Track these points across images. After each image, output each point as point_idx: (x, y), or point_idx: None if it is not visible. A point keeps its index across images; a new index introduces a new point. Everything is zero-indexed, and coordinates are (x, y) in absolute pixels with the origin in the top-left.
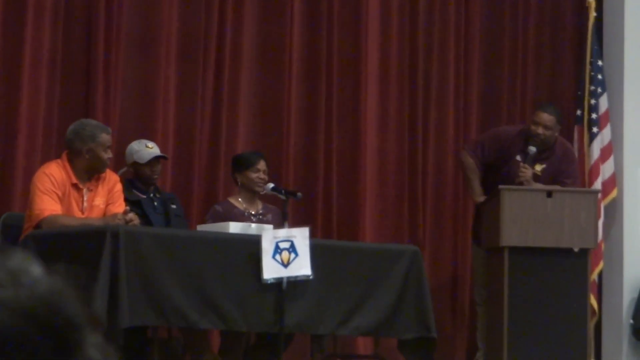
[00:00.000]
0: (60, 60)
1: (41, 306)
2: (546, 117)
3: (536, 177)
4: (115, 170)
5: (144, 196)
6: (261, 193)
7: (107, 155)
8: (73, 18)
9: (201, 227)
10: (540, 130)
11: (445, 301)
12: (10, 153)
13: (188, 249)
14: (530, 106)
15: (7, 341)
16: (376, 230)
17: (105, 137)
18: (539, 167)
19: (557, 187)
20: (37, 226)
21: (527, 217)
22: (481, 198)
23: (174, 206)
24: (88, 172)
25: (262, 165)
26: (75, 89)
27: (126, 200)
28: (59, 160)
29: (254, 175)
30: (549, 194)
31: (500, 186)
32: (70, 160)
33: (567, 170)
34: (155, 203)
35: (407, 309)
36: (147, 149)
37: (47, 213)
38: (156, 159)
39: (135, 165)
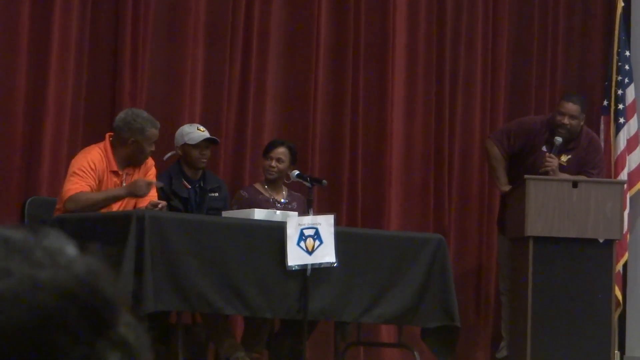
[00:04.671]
0: (87, 45)
1: (80, 286)
2: (571, 107)
3: (562, 168)
4: (153, 154)
5: (190, 186)
6: (286, 181)
7: (151, 148)
8: (100, 2)
9: (226, 214)
10: (565, 120)
11: (470, 290)
12: (37, 137)
13: (213, 235)
14: (559, 95)
15: (48, 322)
16: (401, 218)
17: (154, 132)
18: (564, 158)
19: (583, 178)
20: (65, 207)
21: (553, 207)
22: (506, 187)
23: (215, 194)
24: (127, 161)
25: (276, 153)
26: (103, 74)
27: (175, 195)
28: (101, 145)
29: (266, 162)
30: (575, 184)
31: (526, 176)
32: (113, 146)
33: (592, 160)
34: (196, 194)
35: (431, 298)
36: (198, 131)
37: (71, 192)
38: (207, 143)
39: (185, 147)
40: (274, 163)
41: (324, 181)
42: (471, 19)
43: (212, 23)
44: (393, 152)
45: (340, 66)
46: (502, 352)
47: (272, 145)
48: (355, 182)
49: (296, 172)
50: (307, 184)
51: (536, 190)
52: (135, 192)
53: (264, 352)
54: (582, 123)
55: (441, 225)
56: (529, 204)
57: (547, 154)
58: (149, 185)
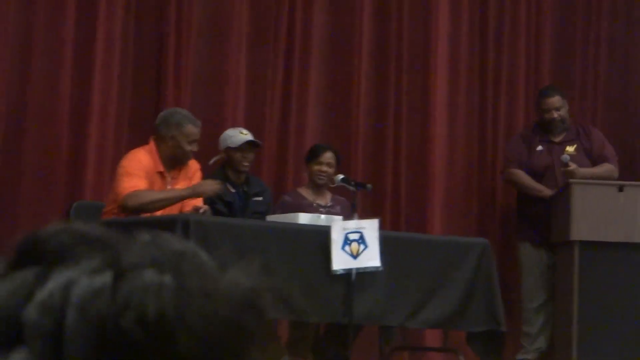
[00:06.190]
0: (131, 50)
1: (245, 293)
2: (552, 100)
3: (573, 158)
4: (198, 158)
5: (234, 190)
6: (330, 185)
7: (191, 147)
8: (145, 7)
9: (271, 218)
10: (554, 115)
11: (514, 295)
12: (82, 142)
13: (257, 239)
14: (602, 100)
15: (232, 333)
16: (444, 222)
17: (191, 129)
18: (571, 148)
19: (629, 182)
20: (123, 206)
21: (598, 211)
22: (549, 191)
23: (259, 198)
24: (172, 161)
25: (325, 157)
26: (147, 79)
27: (219, 199)
28: (146, 147)
29: (315, 167)
30: (621, 188)
31: (571, 180)
32: (157, 147)
33: (599, 144)
34: (240, 198)
35: (476, 303)
36: (241, 134)
37: (129, 190)
38: (249, 146)
39: (228, 150)
40: (324, 168)
41: (369, 185)
42: (513, 22)
43: (255, 28)
44: (436, 156)
45: (382, 70)
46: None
47: (320, 150)
48: (399, 186)
49: (341, 176)
50: (352, 189)
51: (581, 195)
52: (200, 192)
53: (308, 356)
54: (567, 108)
55: (485, 229)
56: (574, 208)
57: (570, 166)
58: (216, 185)
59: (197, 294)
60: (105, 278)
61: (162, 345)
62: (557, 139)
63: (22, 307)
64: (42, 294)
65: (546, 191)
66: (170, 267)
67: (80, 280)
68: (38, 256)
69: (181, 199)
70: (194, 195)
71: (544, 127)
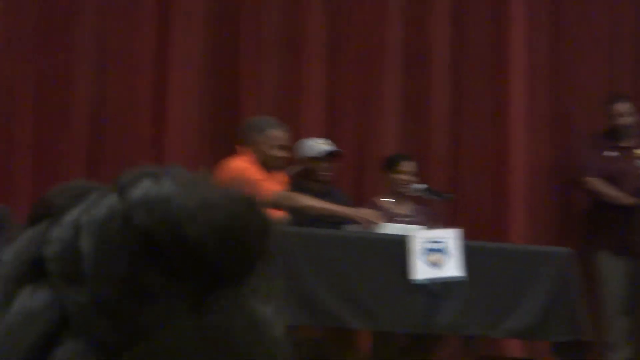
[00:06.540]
0: (210, 65)
1: (244, 196)
2: (623, 106)
3: None
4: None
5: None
6: (410, 194)
7: (277, 152)
8: (221, 21)
9: (350, 227)
10: (625, 121)
11: (595, 305)
12: (160, 156)
13: (335, 248)
14: None
15: (237, 225)
16: (525, 230)
17: (274, 133)
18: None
19: None
20: (275, 205)
21: None
22: (629, 199)
23: None
24: (263, 168)
25: (406, 166)
26: (224, 93)
27: None
28: (242, 157)
29: (398, 176)
30: None
31: None
32: (253, 155)
33: None
34: None
35: (558, 312)
36: (321, 144)
37: (272, 191)
38: (330, 156)
39: (309, 160)
40: (407, 177)
41: (450, 195)
42: (591, 29)
43: (329, 40)
44: (515, 164)
45: (459, 79)
46: None
47: (401, 159)
48: (478, 195)
49: (422, 185)
50: (433, 198)
51: None
52: (361, 218)
53: None
54: (636, 113)
55: (567, 237)
56: None
57: None
58: (379, 219)
59: (196, 190)
60: (110, 199)
61: (174, 237)
62: (628, 144)
63: (39, 247)
64: (55, 232)
65: (625, 198)
66: (166, 176)
67: (88, 210)
68: (48, 213)
69: (339, 215)
70: (353, 217)
71: (614, 134)
